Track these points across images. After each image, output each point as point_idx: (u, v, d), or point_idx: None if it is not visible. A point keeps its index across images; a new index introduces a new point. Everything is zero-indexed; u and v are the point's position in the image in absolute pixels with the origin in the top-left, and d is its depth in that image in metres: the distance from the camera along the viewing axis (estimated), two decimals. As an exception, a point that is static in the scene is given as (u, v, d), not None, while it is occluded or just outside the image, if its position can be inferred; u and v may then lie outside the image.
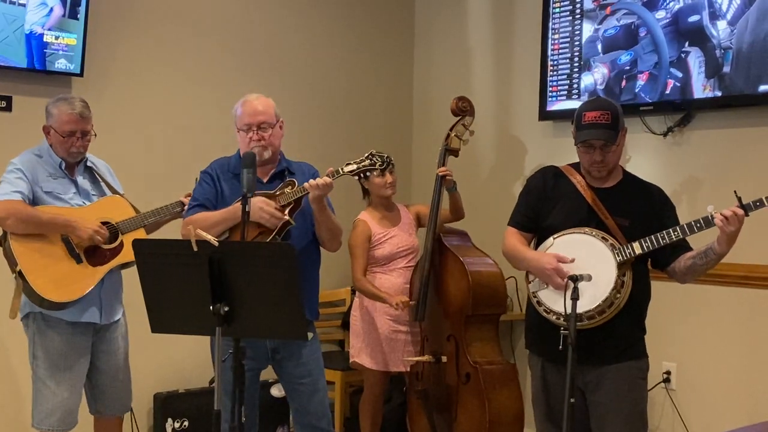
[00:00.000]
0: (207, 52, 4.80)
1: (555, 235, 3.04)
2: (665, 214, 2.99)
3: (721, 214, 2.74)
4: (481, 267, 4.11)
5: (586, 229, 2.97)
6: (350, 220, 4.17)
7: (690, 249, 2.96)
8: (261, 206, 3.11)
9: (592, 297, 2.87)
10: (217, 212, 3.23)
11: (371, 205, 4.33)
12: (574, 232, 3.00)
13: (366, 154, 3.19)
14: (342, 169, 3.17)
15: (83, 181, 3.51)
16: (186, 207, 3.42)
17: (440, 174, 4.17)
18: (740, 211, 2.72)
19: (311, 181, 3.13)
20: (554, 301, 2.96)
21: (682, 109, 4.12)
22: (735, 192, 2.74)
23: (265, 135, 3.28)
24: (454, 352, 4.05)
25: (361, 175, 3.26)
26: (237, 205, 3.16)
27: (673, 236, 2.84)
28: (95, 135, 3.48)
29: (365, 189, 4.30)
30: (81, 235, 3.34)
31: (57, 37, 4.16)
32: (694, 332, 4.05)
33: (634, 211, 2.99)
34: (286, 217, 3.14)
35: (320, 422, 3.34)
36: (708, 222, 2.78)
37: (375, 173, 3.85)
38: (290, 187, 3.20)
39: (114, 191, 3.58)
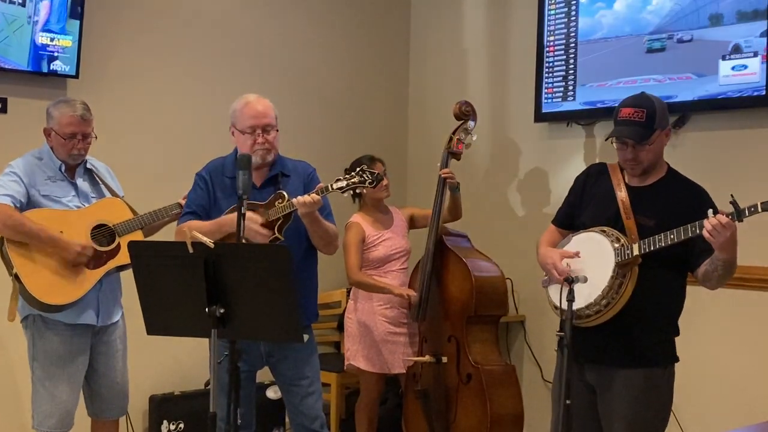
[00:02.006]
0: (202, 54, 4.80)
1: (575, 233, 3.05)
2: (699, 217, 2.76)
3: (707, 222, 2.66)
4: (483, 268, 4.13)
5: (604, 229, 2.96)
6: (343, 221, 4.17)
7: None
8: (247, 223, 3.05)
9: (587, 296, 2.88)
10: (206, 223, 3.19)
11: (364, 207, 4.33)
12: (590, 231, 3.00)
13: (357, 169, 3.15)
14: (331, 185, 3.13)
15: (83, 184, 3.51)
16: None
17: (442, 176, 4.18)
18: (724, 220, 2.63)
19: (299, 198, 3.10)
20: (558, 297, 2.97)
21: (677, 111, 4.13)
22: (731, 196, 2.67)
23: (269, 138, 3.26)
24: (455, 353, 4.05)
25: (352, 191, 3.19)
26: (224, 218, 3.16)
27: (669, 239, 2.78)
28: (96, 137, 3.48)
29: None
30: (64, 255, 3.33)
31: (52, 39, 4.16)
32: (690, 333, 4.03)
33: (665, 212, 2.91)
34: (275, 234, 3.13)
35: (313, 424, 3.34)
36: (702, 226, 2.71)
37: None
38: (280, 200, 3.17)
39: (114, 193, 3.58)
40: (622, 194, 2.99)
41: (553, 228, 3.22)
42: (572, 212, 3.16)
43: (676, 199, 2.96)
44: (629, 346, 2.94)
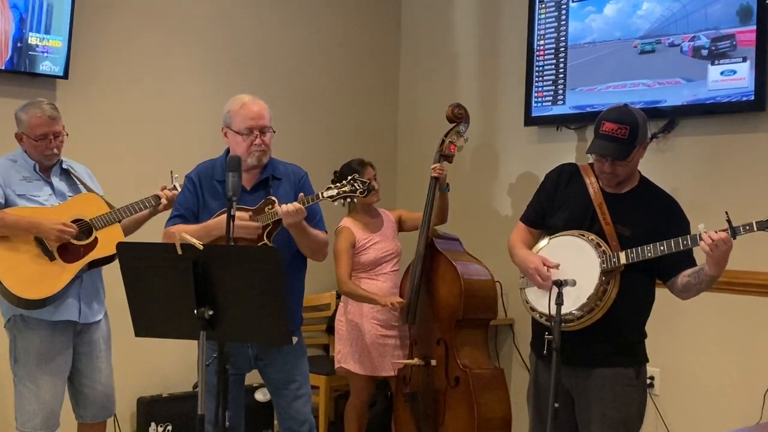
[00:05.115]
0: (192, 55, 4.79)
1: (552, 236, 3.05)
2: (672, 229, 2.87)
3: (708, 237, 2.69)
4: (472, 272, 4.13)
5: (583, 233, 2.97)
6: (333, 224, 4.16)
7: (694, 265, 2.91)
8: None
9: (572, 301, 2.88)
10: (193, 227, 3.16)
11: (353, 211, 4.32)
12: (569, 235, 3.00)
13: (348, 178, 3.14)
14: (322, 194, 3.12)
15: (59, 183, 3.53)
16: (170, 213, 3.40)
17: (432, 172, 4.17)
18: (725, 235, 2.67)
19: (282, 207, 3.07)
20: (537, 300, 2.99)
21: (665, 116, 4.14)
22: (726, 213, 2.69)
23: (266, 139, 3.24)
24: (444, 356, 4.05)
25: (342, 200, 3.16)
26: (212, 222, 3.15)
27: (659, 251, 2.81)
28: (67, 135, 3.49)
29: None
30: (47, 236, 3.35)
31: (42, 40, 4.15)
32: (677, 338, 4.07)
33: (639, 222, 2.94)
34: (264, 240, 3.12)
35: (302, 428, 3.33)
36: (695, 240, 2.74)
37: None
38: (270, 206, 3.14)
39: (91, 191, 3.58)
40: (598, 199, 3.00)
41: (523, 226, 3.21)
42: (543, 212, 3.16)
43: (651, 211, 2.99)
44: (608, 347, 2.96)
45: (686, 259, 2.92)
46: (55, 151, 3.45)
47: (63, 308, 3.40)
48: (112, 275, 3.28)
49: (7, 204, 3.38)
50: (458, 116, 4.33)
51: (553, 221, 3.09)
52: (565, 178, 3.13)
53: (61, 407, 3.47)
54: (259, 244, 3.11)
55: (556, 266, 2.95)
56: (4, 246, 3.32)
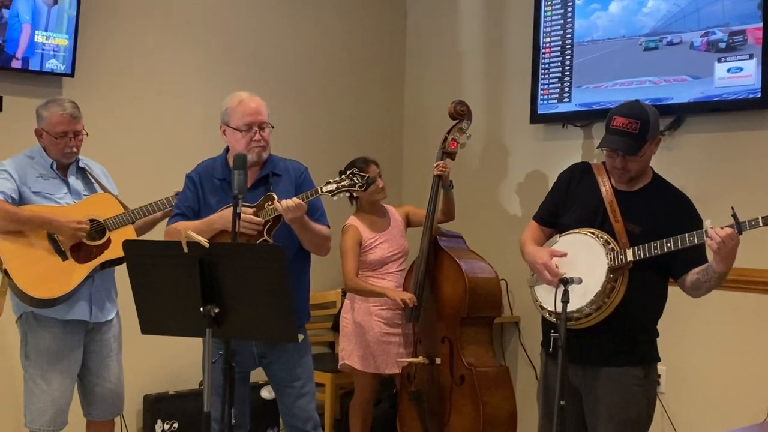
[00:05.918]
0: (198, 54, 4.79)
1: (561, 234, 3.05)
2: (684, 227, 2.81)
3: (715, 233, 2.68)
4: (477, 269, 4.13)
5: (593, 231, 2.96)
6: (339, 223, 4.16)
7: (704, 262, 2.89)
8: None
9: (579, 298, 2.87)
10: (195, 222, 3.16)
11: (360, 209, 4.32)
12: (578, 232, 2.99)
13: (348, 172, 3.13)
14: (321, 188, 3.11)
15: (75, 181, 3.53)
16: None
17: (435, 171, 4.17)
18: (731, 231, 2.65)
19: (282, 202, 3.07)
20: (546, 298, 2.98)
21: (672, 113, 4.13)
22: (732, 209, 2.68)
23: (265, 135, 3.24)
24: (449, 354, 4.05)
25: (343, 194, 3.16)
26: (214, 216, 3.15)
27: (665, 247, 2.79)
28: (87, 134, 3.49)
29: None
30: (62, 232, 3.35)
31: (48, 38, 4.15)
32: (683, 335, 4.06)
33: (650, 219, 2.93)
34: (264, 236, 3.12)
35: (305, 425, 3.33)
36: (701, 236, 2.73)
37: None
38: (270, 202, 3.14)
39: (107, 192, 3.58)
40: (609, 197, 3.00)
41: (535, 225, 3.21)
42: (556, 210, 3.15)
43: (662, 208, 2.97)
44: (616, 345, 2.95)
45: (698, 256, 2.90)
46: (74, 149, 3.46)
47: (74, 308, 3.41)
48: (122, 273, 3.29)
49: (23, 201, 3.38)
50: (461, 113, 4.33)
51: (565, 220, 3.09)
52: (578, 177, 3.14)
53: (69, 405, 3.49)
54: (259, 240, 3.12)
55: (564, 254, 2.94)
56: (17, 243, 3.33)
